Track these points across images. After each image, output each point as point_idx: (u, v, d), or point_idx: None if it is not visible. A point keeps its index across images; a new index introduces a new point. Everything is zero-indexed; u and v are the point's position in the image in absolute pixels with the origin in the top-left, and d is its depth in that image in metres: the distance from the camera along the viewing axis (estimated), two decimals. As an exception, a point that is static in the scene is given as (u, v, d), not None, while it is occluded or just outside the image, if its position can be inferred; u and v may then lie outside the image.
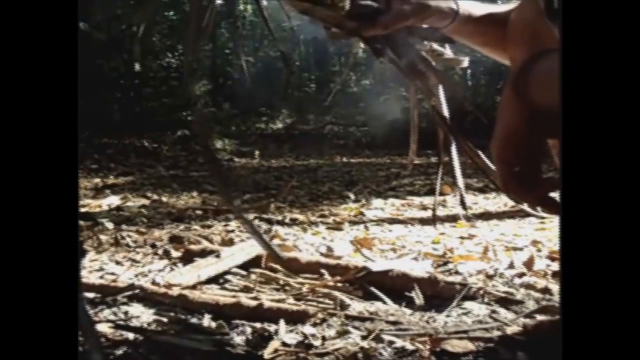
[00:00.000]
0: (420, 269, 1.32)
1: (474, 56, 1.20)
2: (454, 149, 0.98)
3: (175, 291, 1.17)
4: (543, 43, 0.72)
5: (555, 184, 0.73)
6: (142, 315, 1.10)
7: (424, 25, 0.94)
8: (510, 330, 1.01)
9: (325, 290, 1.21)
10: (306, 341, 0.96)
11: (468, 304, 1.13)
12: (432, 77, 0.97)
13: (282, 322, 1.02)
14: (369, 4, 0.87)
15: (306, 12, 0.86)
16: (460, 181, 0.98)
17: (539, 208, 0.75)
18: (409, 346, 0.94)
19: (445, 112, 0.99)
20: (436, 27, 0.94)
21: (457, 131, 0.96)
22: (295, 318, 1.04)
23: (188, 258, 1.48)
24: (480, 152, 0.92)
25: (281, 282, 1.30)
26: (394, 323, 1.04)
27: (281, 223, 2.21)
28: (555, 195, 0.74)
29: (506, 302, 1.15)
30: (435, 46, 1.00)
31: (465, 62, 1.02)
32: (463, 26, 0.93)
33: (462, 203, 1.01)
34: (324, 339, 0.97)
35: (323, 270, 1.32)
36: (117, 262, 1.54)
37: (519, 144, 0.72)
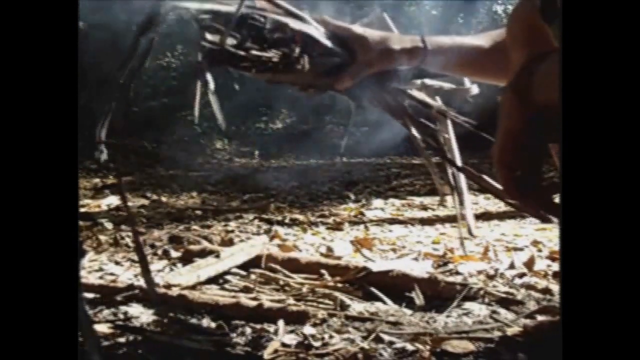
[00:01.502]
0: (421, 269, 1.31)
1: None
2: (462, 181, 1.00)
3: (174, 291, 1.17)
4: (542, 43, 0.72)
5: (557, 188, 0.73)
6: (142, 315, 1.10)
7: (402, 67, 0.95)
8: (510, 330, 1.01)
9: (326, 291, 1.21)
10: (306, 342, 0.95)
11: (468, 305, 1.13)
12: (433, 112, 0.98)
13: (281, 323, 1.02)
14: (330, 60, 0.89)
15: (271, 81, 0.88)
16: (469, 213, 1.00)
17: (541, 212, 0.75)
18: (409, 347, 0.93)
19: (453, 142, 1.00)
20: (411, 66, 0.95)
21: (461, 167, 0.98)
22: (295, 318, 1.04)
23: (187, 258, 1.48)
24: (485, 176, 0.92)
25: (281, 282, 1.29)
26: (394, 323, 1.04)
27: (281, 223, 2.20)
28: (557, 199, 0.74)
29: (507, 302, 1.15)
30: (432, 82, 1.01)
31: (475, 89, 1.03)
32: (437, 59, 0.94)
33: (470, 232, 1.03)
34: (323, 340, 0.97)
35: (323, 271, 1.32)
36: (117, 263, 1.54)
37: (520, 147, 0.71)
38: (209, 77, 0.73)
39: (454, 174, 1.02)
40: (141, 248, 0.75)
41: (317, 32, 0.87)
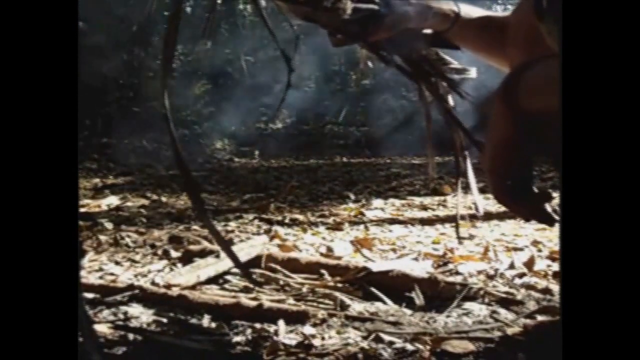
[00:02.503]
0: (421, 269, 1.32)
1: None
2: (468, 159, 0.98)
3: (174, 291, 1.17)
4: (542, 45, 0.72)
5: (547, 197, 0.73)
6: (142, 315, 1.10)
7: (427, 31, 0.93)
8: (510, 330, 1.01)
9: (326, 291, 1.21)
10: (306, 342, 0.95)
11: (468, 305, 1.13)
12: (442, 84, 0.96)
13: (282, 323, 1.02)
14: (370, 7, 0.86)
15: (307, 18, 0.85)
16: (475, 187, 0.99)
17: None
18: (409, 347, 0.93)
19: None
20: (438, 30, 0.93)
21: (472, 135, 0.96)
22: (295, 318, 1.04)
23: (188, 258, 1.48)
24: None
25: (281, 282, 1.29)
26: (394, 323, 1.04)
27: (281, 223, 2.20)
28: (549, 207, 0.73)
29: (507, 302, 1.15)
30: (442, 55, 0.99)
31: (473, 72, 1.00)
32: (464, 30, 0.93)
33: (477, 208, 1.01)
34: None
35: (323, 271, 1.32)
36: (117, 263, 1.54)
37: (510, 155, 0.71)
38: None
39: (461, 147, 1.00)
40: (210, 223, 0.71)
41: None
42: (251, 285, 1.26)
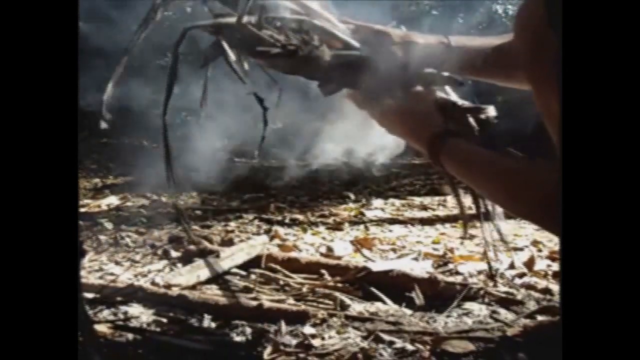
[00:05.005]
0: (421, 269, 1.31)
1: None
2: None
3: (174, 291, 1.17)
4: (548, 49, 0.71)
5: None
6: (142, 315, 1.09)
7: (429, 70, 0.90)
8: (510, 330, 1.01)
9: (326, 291, 1.21)
10: (306, 342, 0.95)
11: (468, 305, 1.13)
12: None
13: (282, 323, 1.02)
14: (350, 52, 0.83)
15: (289, 71, 0.83)
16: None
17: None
18: (409, 347, 0.93)
19: None
20: (435, 63, 0.89)
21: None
22: (295, 318, 1.04)
23: (187, 258, 1.48)
24: None
25: (281, 282, 1.29)
26: (394, 323, 1.04)
27: (281, 223, 2.20)
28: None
29: (507, 302, 1.15)
30: (457, 99, 0.93)
31: (492, 111, 0.94)
32: (458, 56, 0.90)
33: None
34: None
35: (323, 271, 1.32)
36: (117, 263, 1.54)
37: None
38: (227, 48, 0.69)
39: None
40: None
41: (337, 28, 0.84)
42: (251, 285, 1.26)
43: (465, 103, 0.89)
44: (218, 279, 1.32)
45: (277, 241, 1.79)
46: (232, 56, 0.70)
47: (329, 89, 0.86)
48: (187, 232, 0.67)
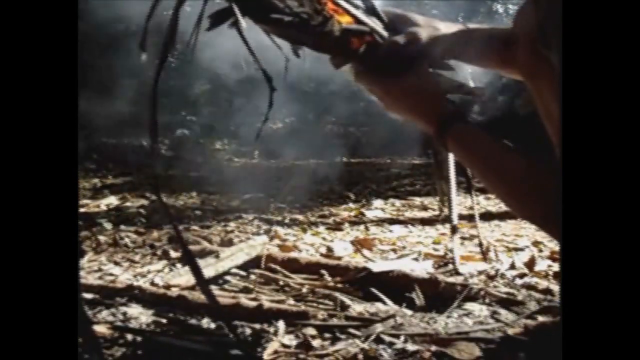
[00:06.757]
0: (421, 270, 1.31)
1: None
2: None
3: (174, 292, 1.17)
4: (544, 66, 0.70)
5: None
6: (141, 316, 1.09)
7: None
8: (511, 331, 1.00)
9: (326, 291, 1.21)
10: (306, 342, 0.95)
11: (469, 305, 1.13)
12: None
13: (281, 323, 1.02)
14: (359, 27, 0.81)
15: (296, 42, 0.83)
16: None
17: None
18: (410, 347, 0.93)
19: None
20: (451, 52, 0.89)
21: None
22: (295, 318, 1.04)
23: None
24: None
25: (281, 282, 1.29)
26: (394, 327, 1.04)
27: (281, 223, 2.20)
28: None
29: (507, 302, 1.15)
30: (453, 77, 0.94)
31: (486, 93, 0.96)
32: (477, 46, 0.90)
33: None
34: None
35: (323, 271, 1.32)
36: (116, 263, 1.54)
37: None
38: (238, 14, 0.68)
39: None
40: (186, 248, 0.72)
41: (349, 3, 0.83)
42: (251, 286, 1.26)
43: (471, 85, 0.89)
44: (218, 279, 1.32)
45: (277, 241, 1.79)
46: (243, 23, 0.69)
47: (340, 62, 0.87)
48: (176, 230, 0.66)
